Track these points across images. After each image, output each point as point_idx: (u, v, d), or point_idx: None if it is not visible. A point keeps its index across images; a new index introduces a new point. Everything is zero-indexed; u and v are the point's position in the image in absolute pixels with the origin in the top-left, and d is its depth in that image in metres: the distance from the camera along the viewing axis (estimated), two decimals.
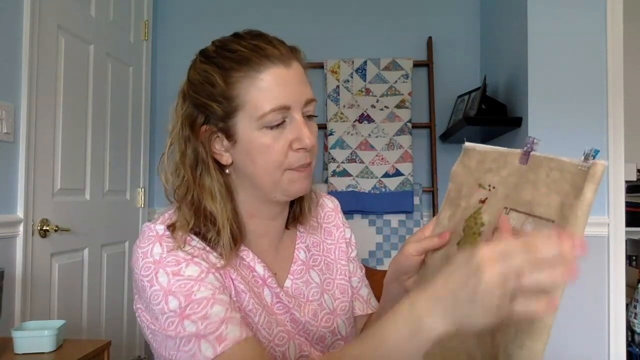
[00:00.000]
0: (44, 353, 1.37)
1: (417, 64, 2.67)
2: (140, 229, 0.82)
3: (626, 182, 2.05)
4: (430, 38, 2.70)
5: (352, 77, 2.66)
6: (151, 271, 0.75)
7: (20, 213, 1.76)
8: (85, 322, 2.12)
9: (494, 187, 0.68)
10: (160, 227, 0.79)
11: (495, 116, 2.19)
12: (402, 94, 2.62)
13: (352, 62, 2.67)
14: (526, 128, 1.98)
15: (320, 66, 2.67)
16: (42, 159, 1.88)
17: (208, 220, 0.79)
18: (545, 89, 1.96)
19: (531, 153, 0.65)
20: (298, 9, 2.79)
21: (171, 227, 0.79)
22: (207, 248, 0.79)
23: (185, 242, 0.78)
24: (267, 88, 0.77)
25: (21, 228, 1.75)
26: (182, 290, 0.73)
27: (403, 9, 2.76)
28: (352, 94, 2.65)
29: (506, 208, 0.65)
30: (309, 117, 0.81)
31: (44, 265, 1.88)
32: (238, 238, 0.82)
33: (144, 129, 2.66)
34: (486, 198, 0.68)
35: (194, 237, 0.79)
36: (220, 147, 0.81)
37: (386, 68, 2.64)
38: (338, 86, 2.66)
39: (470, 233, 0.68)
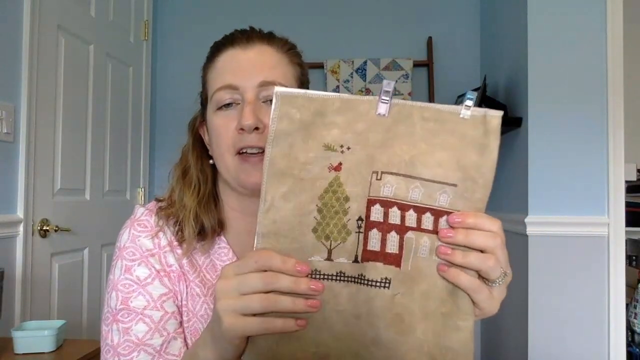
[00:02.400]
0: (44, 353, 1.37)
1: (417, 64, 2.67)
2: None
3: (626, 182, 2.05)
4: (430, 38, 2.70)
5: (352, 77, 2.67)
6: (115, 258, 0.79)
7: (20, 213, 1.76)
8: (85, 322, 2.12)
9: (348, 148, 0.51)
10: (141, 210, 0.82)
11: None
12: (402, 94, 2.62)
13: (352, 62, 2.67)
14: (526, 128, 1.98)
15: (320, 66, 2.67)
16: (42, 159, 1.88)
17: (181, 209, 0.81)
18: (545, 89, 1.96)
19: (393, 101, 0.52)
20: (298, 9, 2.79)
21: (160, 208, 0.82)
22: (175, 243, 0.80)
23: (157, 233, 0.79)
24: (219, 68, 0.78)
25: (21, 228, 1.75)
26: (124, 291, 0.76)
27: (403, 9, 2.76)
28: (352, 94, 2.65)
29: (376, 173, 0.51)
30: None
31: (44, 265, 1.88)
32: (209, 232, 0.80)
33: (144, 129, 2.66)
34: (340, 163, 0.51)
35: (168, 228, 0.80)
36: (207, 140, 0.84)
37: (386, 68, 2.65)
38: (338, 86, 2.66)
39: (332, 213, 0.51)
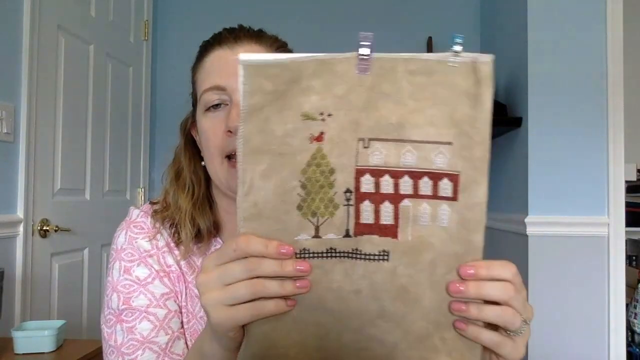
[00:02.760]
0: (44, 353, 1.37)
1: None
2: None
3: (626, 182, 2.05)
4: (430, 38, 2.70)
5: None
6: (112, 259, 0.78)
7: (20, 213, 1.76)
8: (85, 322, 2.12)
9: (329, 115, 0.47)
10: (136, 212, 0.81)
11: (495, 116, 2.17)
12: None
13: None
14: (526, 128, 1.98)
15: None
16: (42, 159, 1.88)
17: (176, 212, 0.80)
18: (545, 89, 1.96)
19: (373, 55, 0.48)
20: (298, 9, 2.79)
21: (154, 211, 0.81)
22: (172, 245, 0.79)
23: (154, 235, 0.78)
24: (207, 69, 0.77)
25: (21, 228, 1.75)
26: (125, 291, 0.75)
27: (403, 9, 2.76)
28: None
29: (362, 140, 0.47)
30: None
31: (44, 265, 1.88)
32: (205, 235, 0.79)
33: (144, 129, 2.66)
34: (321, 132, 0.47)
35: (165, 230, 0.79)
36: (198, 141, 0.83)
37: None
38: None
39: (317, 188, 0.47)
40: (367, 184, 0.47)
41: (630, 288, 2.28)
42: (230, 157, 0.74)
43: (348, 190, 0.47)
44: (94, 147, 2.21)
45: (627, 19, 1.98)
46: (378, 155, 0.47)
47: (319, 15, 2.78)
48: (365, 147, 0.47)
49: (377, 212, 0.48)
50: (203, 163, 0.81)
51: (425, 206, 0.47)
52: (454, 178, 0.47)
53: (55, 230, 1.91)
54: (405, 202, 0.47)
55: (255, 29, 0.80)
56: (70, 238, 2.02)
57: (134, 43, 2.58)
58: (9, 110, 1.72)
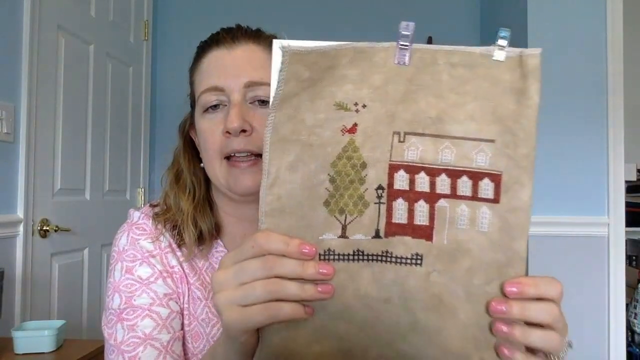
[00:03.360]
0: (44, 353, 1.37)
1: None
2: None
3: (626, 182, 2.05)
4: (430, 38, 2.69)
5: None
6: (113, 261, 0.78)
7: (20, 213, 1.76)
8: (85, 322, 2.12)
9: (364, 106, 0.44)
10: (137, 214, 0.81)
11: None
12: None
13: None
14: None
15: None
16: (42, 159, 1.88)
17: (178, 214, 0.79)
18: (545, 89, 1.96)
19: (413, 46, 0.45)
20: (298, 10, 2.79)
21: (156, 214, 0.80)
22: (174, 246, 0.78)
23: (157, 237, 0.78)
24: (205, 70, 0.76)
25: (21, 228, 1.75)
26: (127, 291, 0.74)
27: (403, 9, 2.76)
28: None
29: (397, 134, 0.44)
30: (261, 102, 0.73)
31: (44, 265, 1.88)
32: (207, 237, 0.78)
33: (144, 129, 2.66)
34: (354, 124, 0.44)
35: (167, 232, 0.79)
36: (197, 143, 0.82)
37: None
38: None
39: (347, 183, 0.44)
40: (401, 180, 0.44)
41: (630, 288, 2.28)
42: (230, 157, 0.74)
43: (380, 187, 0.44)
44: (94, 147, 2.21)
45: (627, 19, 1.98)
46: (414, 151, 0.44)
47: (318, 15, 2.78)
48: (400, 141, 0.44)
49: (411, 212, 0.44)
50: (202, 164, 0.80)
51: (463, 208, 0.44)
52: (495, 178, 0.44)
53: (55, 230, 1.91)
54: (442, 203, 0.44)
55: (253, 29, 0.79)
56: (70, 238, 2.02)
57: (134, 43, 2.58)
58: (9, 110, 1.72)
